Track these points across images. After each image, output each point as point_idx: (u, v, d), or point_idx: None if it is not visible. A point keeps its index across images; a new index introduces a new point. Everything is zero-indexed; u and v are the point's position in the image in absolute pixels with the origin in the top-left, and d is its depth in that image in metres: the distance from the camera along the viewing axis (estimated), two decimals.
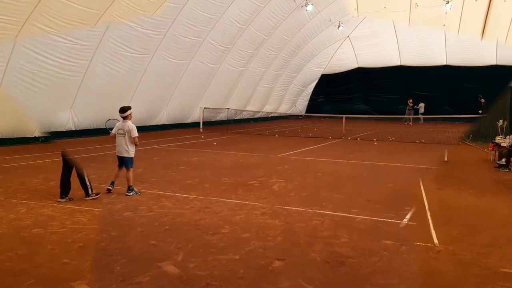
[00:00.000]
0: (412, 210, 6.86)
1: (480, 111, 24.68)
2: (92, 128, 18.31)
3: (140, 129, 20.80)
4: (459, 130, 23.41)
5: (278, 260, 4.71)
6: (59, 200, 7.31)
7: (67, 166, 7.57)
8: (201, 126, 22.76)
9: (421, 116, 29.38)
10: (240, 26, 22.04)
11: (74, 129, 17.49)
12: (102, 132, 18.58)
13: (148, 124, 21.27)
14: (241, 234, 5.59)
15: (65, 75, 15.82)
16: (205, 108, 23.54)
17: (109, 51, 16.79)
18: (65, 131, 17.21)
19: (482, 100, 25.94)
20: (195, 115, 23.84)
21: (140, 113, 20.28)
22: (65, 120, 17.18)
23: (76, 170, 7.62)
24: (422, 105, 30.22)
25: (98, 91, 17.42)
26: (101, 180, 9.09)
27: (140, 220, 6.18)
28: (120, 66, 17.59)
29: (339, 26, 28.69)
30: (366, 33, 31.52)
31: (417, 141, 17.63)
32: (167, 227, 5.85)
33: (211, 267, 4.50)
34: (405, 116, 28.85)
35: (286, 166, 11.13)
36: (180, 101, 22.06)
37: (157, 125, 21.78)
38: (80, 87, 16.67)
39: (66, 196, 7.38)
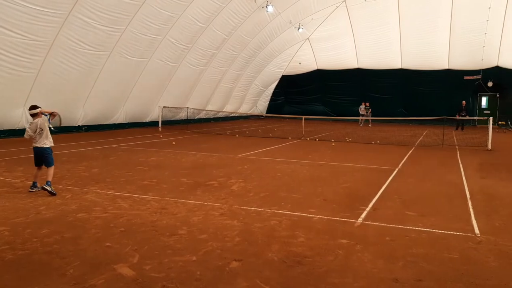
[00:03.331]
0: (367, 210, 7.04)
1: (463, 113, 25.44)
2: None
3: (96, 128, 20.47)
4: (413, 131, 24.23)
5: (236, 260, 4.72)
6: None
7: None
8: (160, 125, 22.46)
9: (361, 118, 30.17)
10: (201, 25, 21.94)
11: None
12: (57, 131, 18.05)
13: (105, 123, 20.83)
14: (198, 235, 5.56)
15: (18, 71, 15.29)
16: (164, 107, 23.26)
17: (65, 47, 16.34)
18: (18, 129, 16.58)
19: (464, 103, 26.70)
20: (154, 114, 23.52)
21: (97, 112, 19.87)
22: (18, 118, 16.56)
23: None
24: (362, 107, 31.11)
25: (53, 88, 16.91)
26: (54, 180, 8.80)
27: (94, 222, 6.04)
28: (76, 63, 17.14)
29: (299, 28, 29.07)
30: (325, 36, 32.13)
31: (373, 142, 18.08)
32: (122, 229, 5.75)
33: (168, 269, 4.46)
34: (364, 118, 29.38)
35: (246, 166, 11.16)
36: (139, 100, 21.72)
37: (114, 124, 21.35)
38: (34, 84, 16.12)
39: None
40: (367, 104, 30.10)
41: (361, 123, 30.45)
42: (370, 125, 29.35)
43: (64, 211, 6.54)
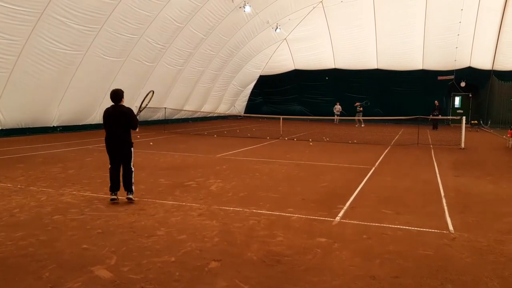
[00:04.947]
0: (344, 208, 7.12)
1: (436, 113, 25.83)
2: (20, 127, 17.37)
3: (72, 128, 20.13)
4: (389, 131, 24.59)
5: (215, 261, 4.72)
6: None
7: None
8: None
9: (337, 118, 30.50)
10: (178, 24, 21.81)
11: (0, 128, 16.50)
12: (31, 132, 17.71)
13: (81, 123, 20.50)
14: (177, 236, 5.53)
15: None
16: None
17: (39, 46, 16.02)
18: None
19: (436, 102, 27.08)
20: None
21: (73, 112, 19.56)
22: None
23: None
24: (336, 107, 31.35)
25: (27, 88, 16.57)
26: (29, 182, 8.65)
27: (71, 224, 5.95)
28: (50, 62, 16.81)
29: (277, 28, 29.16)
30: (303, 36, 32.34)
31: (350, 142, 18.28)
32: (99, 231, 5.68)
33: (146, 270, 4.43)
34: (356, 118, 29.20)
35: (224, 167, 11.15)
36: None
37: (91, 124, 21.03)
38: (7, 84, 15.77)
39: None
40: (357, 103, 29.83)
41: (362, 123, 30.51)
42: (359, 125, 29.40)
43: (39, 214, 6.42)
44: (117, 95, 7.20)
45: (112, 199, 7.09)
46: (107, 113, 7.19)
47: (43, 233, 5.53)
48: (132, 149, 7.27)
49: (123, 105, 7.27)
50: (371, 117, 27.63)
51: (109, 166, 7.28)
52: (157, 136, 19.06)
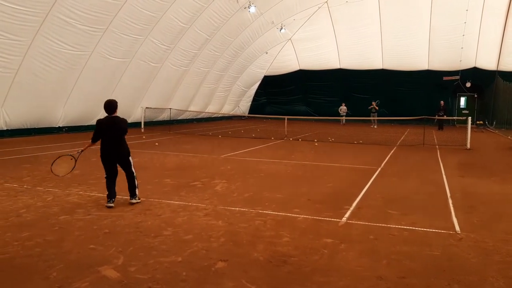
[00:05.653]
0: (350, 209, 7.10)
1: (441, 113, 25.78)
2: (25, 127, 17.45)
3: (78, 129, 20.20)
4: (395, 131, 24.53)
5: (221, 261, 4.72)
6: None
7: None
8: (142, 126, 22.28)
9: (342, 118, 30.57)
10: (183, 25, 21.84)
11: (5, 128, 16.59)
12: (36, 132, 17.79)
13: (86, 124, 20.56)
14: (183, 236, 5.54)
15: None
16: (146, 107, 23.08)
17: (44, 47, 16.08)
18: None
19: (442, 103, 27.03)
20: (136, 115, 23.32)
21: (78, 112, 19.62)
22: None
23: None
24: (342, 108, 31.39)
25: (32, 88, 16.64)
26: (35, 182, 8.69)
27: (77, 224, 5.97)
28: (56, 63, 16.88)
29: (281, 28, 29.14)
30: (307, 36, 32.29)
31: (355, 142, 18.24)
32: (106, 231, 5.70)
33: (153, 270, 4.44)
34: (371, 118, 28.89)
35: (229, 167, 11.16)
36: (121, 100, 21.13)
37: None
38: (13, 85, 15.84)
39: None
40: (374, 103, 29.62)
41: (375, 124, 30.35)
42: (375, 126, 29.24)
43: (45, 214, 6.45)
44: (111, 105, 7.13)
45: (107, 207, 6.89)
46: (101, 124, 7.16)
47: (50, 233, 5.55)
48: (130, 158, 7.24)
49: (118, 116, 7.23)
50: (377, 117, 27.58)
51: (105, 176, 7.17)
52: (162, 137, 19.09)
